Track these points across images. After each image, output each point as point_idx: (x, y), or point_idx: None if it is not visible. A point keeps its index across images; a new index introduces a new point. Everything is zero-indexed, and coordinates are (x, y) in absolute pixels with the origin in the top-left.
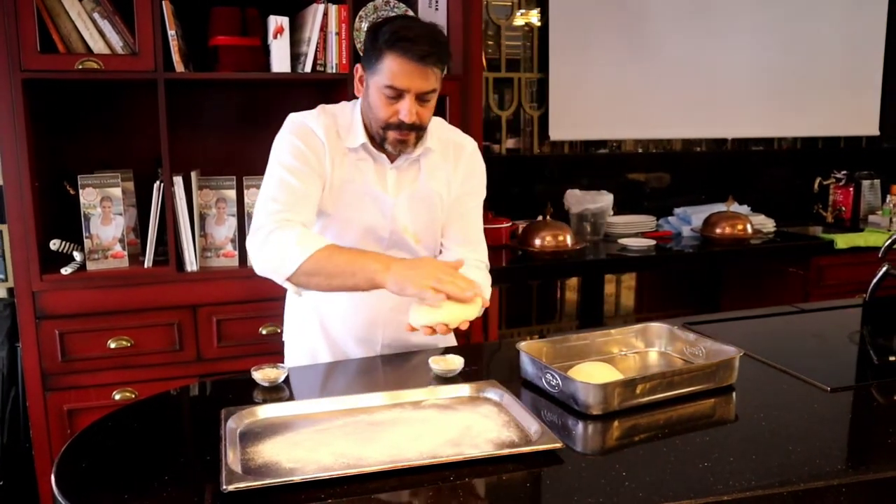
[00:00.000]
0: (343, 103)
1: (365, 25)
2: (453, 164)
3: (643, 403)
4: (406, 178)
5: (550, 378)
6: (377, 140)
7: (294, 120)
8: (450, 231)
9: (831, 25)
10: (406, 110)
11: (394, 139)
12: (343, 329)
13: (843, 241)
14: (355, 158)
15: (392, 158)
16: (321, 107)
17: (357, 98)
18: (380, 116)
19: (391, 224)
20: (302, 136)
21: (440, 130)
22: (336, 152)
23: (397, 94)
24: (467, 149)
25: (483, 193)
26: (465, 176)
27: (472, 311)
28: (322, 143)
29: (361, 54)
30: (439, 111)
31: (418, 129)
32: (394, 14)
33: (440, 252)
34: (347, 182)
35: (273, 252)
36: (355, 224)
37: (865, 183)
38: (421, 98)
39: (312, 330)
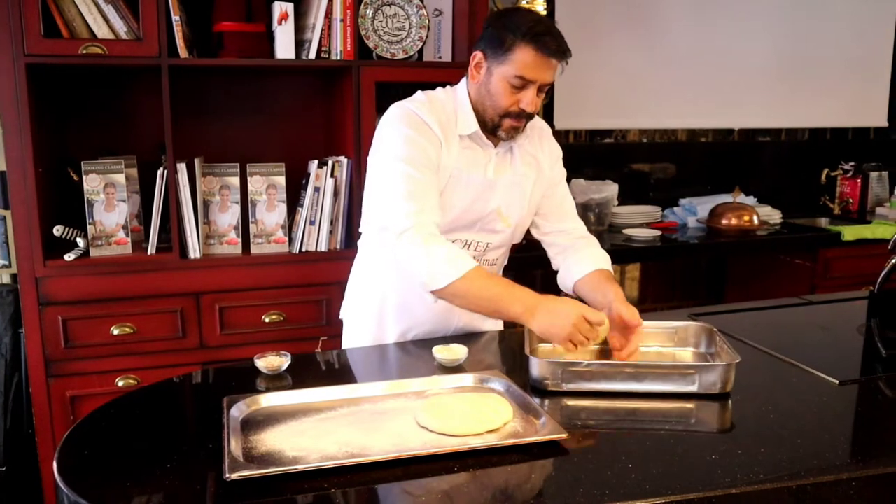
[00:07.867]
0: (440, 90)
1: (370, 13)
2: (538, 146)
3: (598, 391)
4: (503, 163)
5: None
6: (488, 126)
7: (403, 111)
8: (549, 212)
9: (840, 15)
10: (529, 100)
11: (509, 126)
12: (420, 314)
13: (850, 233)
14: (461, 146)
15: (495, 144)
16: (426, 95)
17: (452, 84)
18: (500, 104)
19: (486, 208)
20: (416, 127)
21: None
22: (450, 143)
23: (523, 85)
24: (546, 130)
25: (564, 171)
26: (552, 158)
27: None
28: (437, 136)
29: (481, 42)
30: None
31: (530, 118)
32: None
33: (542, 232)
34: (454, 169)
35: (423, 266)
36: (455, 209)
37: (873, 175)
38: (541, 89)
39: (385, 312)
